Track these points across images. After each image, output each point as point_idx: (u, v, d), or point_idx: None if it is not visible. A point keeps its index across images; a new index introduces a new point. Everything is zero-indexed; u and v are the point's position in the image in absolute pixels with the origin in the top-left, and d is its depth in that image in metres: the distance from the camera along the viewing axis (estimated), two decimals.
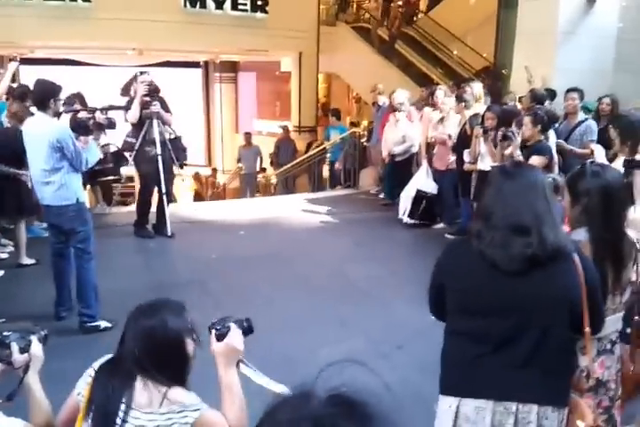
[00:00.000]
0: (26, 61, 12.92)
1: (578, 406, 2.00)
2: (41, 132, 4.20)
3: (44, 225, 6.78)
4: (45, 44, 11.65)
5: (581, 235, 2.19)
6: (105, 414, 1.73)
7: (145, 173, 6.51)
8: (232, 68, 15.35)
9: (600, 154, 4.46)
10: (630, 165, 3.53)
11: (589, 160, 2.63)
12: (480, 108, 6.67)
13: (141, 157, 6.37)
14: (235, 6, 11.99)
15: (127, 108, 6.34)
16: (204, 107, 15.16)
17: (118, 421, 1.72)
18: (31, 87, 4.84)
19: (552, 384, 1.92)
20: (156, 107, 6.23)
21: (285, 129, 12.12)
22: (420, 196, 7.04)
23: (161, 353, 1.77)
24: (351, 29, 13.88)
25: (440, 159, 6.92)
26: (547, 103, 6.53)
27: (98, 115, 5.76)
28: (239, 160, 12.21)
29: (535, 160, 4.82)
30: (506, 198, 1.91)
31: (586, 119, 6.14)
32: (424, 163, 7.22)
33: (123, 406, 1.73)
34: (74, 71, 12.57)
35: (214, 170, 14.05)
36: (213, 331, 1.84)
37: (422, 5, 14.90)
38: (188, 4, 11.49)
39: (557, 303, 1.88)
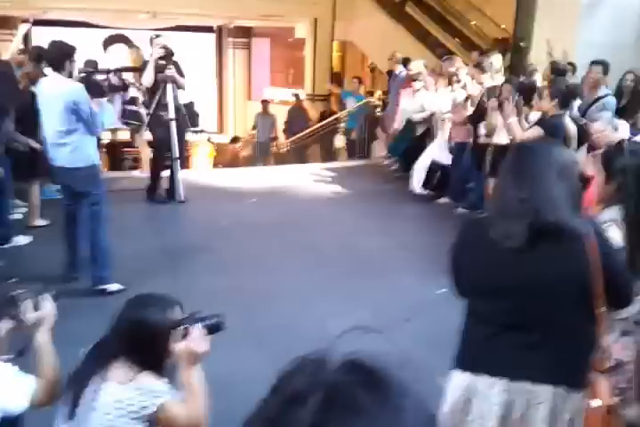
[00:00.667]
0: (38, 23, 12.77)
1: (595, 386, 1.98)
2: (56, 92, 4.18)
3: (58, 187, 6.87)
4: (58, 5, 11.50)
5: (614, 213, 2.15)
6: (79, 384, 1.84)
7: (158, 137, 6.49)
8: (246, 33, 15.12)
9: (624, 130, 4.38)
10: None
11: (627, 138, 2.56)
12: (499, 80, 6.57)
13: (155, 121, 6.34)
14: None
15: (140, 70, 6.31)
16: (217, 73, 14.98)
17: (92, 389, 1.82)
18: (45, 48, 4.80)
19: (567, 365, 1.90)
20: (171, 71, 6.17)
21: (297, 97, 11.99)
22: (434, 167, 7.00)
23: (139, 346, 1.85)
24: None
25: (456, 132, 6.84)
26: (568, 76, 6.39)
27: (111, 76, 5.72)
28: (254, 127, 12.09)
29: (529, 132, 4.78)
30: (515, 174, 1.90)
31: (607, 95, 6.01)
32: (440, 133, 7.14)
33: (98, 379, 1.83)
34: (87, 33, 12.42)
35: (236, 138, 13.75)
36: (180, 328, 1.81)
37: None
38: None
39: (563, 283, 1.84)
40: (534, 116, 5.31)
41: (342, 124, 10.67)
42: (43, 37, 9.57)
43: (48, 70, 4.48)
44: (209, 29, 14.67)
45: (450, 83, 7.20)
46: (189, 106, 6.61)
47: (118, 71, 6.04)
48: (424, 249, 5.27)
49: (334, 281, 4.79)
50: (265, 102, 12.13)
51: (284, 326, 4.01)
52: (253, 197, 7.01)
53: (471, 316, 2.00)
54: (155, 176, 6.59)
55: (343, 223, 6.29)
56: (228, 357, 3.07)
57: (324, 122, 10.76)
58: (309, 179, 8.12)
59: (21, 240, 5.29)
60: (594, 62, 6.09)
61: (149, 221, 6.32)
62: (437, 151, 7.02)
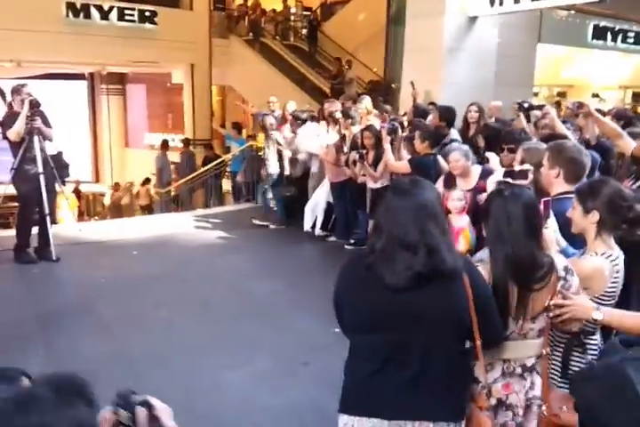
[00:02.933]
0: None
1: (475, 418, 2.03)
2: None
3: None
4: None
5: (485, 253, 2.22)
6: None
7: (25, 192, 6.01)
8: (120, 79, 14.80)
9: (494, 162, 4.64)
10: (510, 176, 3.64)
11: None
12: (373, 121, 6.80)
13: (22, 175, 5.89)
14: (121, 17, 11.60)
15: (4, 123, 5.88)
16: (91, 120, 14.46)
17: None
18: None
19: (446, 400, 1.95)
20: (37, 122, 5.82)
21: (187, 142, 11.78)
22: (330, 208, 7.08)
23: None
24: (244, 42, 13.83)
25: (330, 172, 6.97)
26: (430, 117, 6.72)
27: None
28: (160, 171, 11.57)
29: (400, 163, 5.39)
30: (395, 215, 1.94)
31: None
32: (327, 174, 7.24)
33: None
34: None
35: (117, 184, 13.14)
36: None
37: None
38: (70, 13, 10.96)
39: (444, 321, 1.90)
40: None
41: (227, 168, 10.59)
42: None
43: None
44: (81, 76, 14.21)
45: (327, 124, 7.36)
46: (58, 156, 6.20)
47: None
48: (315, 289, 5.20)
49: (228, 331, 4.60)
50: (165, 143, 11.74)
51: (179, 386, 3.75)
52: (134, 250, 6.68)
53: (351, 352, 2.04)
54: (23, 234, 6.10)
55: (232, 270, 6.12)
56: None
57: (209, 166, 10.61)
58: (195, 225, 7.90)
59: None
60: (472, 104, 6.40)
61: (19, 283, 5.79)
62: (327, 191, 7.12)
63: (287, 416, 3.45)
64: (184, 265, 6.21)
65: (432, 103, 7.47)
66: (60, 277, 5.96)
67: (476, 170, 4.56)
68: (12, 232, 6.43)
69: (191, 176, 10.79)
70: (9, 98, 6.26)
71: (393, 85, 10.56)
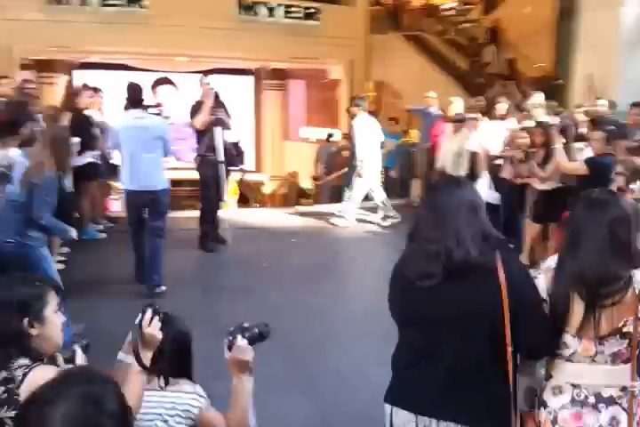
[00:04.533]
0: (81, 66, 13.21)
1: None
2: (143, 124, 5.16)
3: (100, 227, 6.90)
4: (100, 49, 11.86)
5: (554, 261, 2.01)
6: None
7: (207, 179, 6.33)
8: (282, 75, 15.39)
9: None
10: None
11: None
12: (542, 118, 6.48)
13: (205, 163, 6.25)
14: (287, 14, 12.02)
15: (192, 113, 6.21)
16: (255, 113, 15.22)
17: None
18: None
19: (474, 406, 1.87)
20: (221, 113, 6.15)
21: (329, 137, 12.01)
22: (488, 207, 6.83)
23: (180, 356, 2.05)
24: (403, 37, 13.77)
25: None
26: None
27: None
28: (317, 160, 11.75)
29: (575, 164, 5.14)
30: (428, 214, 1.97)
31: None
32: (485, 173, 6.99)
33: None
34: (126, 76, 12.75)
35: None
36: (226, 340, 1.89)
37: (476, 13, 14.74)
38: (241, 11, 11.56)
39: (470, 318, 1.85)
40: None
41: None
42: (84, 79, 9.88)
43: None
44: (247, 72, 14.96)
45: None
46: (236, 145, 6.57)
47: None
48: None
49: (374, 324, 4.62)
50: (329, 137, 11.96)
51: (327, 372, 3.87)
52: (293, 238, 6.93)
53: (398, 344, 2.08)
54: (206, 223, 6.40)
55: (385, 266, 6.12)
56: (273, 402, 3.10)
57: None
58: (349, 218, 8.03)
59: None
60: (635, 104, 5.94)
61: (193, 262, 6.24)
62: (486, 191, 6.84)
63: None
64: (339, 256, 6.35)
65: (610, 101, 6.96)
66: (227, 259, 6.35)
67: None
68: (189, 214, 6.88)
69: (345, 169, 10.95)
70: (182, 90, 6.63)
71: (559, 81, 9.97)
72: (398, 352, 2.06)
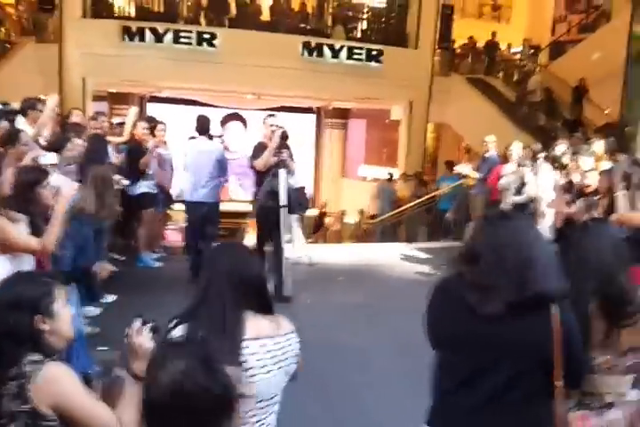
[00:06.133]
0: (153, 100, 13.83)
1: None
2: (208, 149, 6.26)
3: (155, 256, 7.05)
4: (171, 84, 12.41)
5: None
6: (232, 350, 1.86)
7: (264, 225, 5.93)
8: (343, 114, 15.65)
9: None
10: None
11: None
12: (603, 166, 6.27)
13: (265, 210, 5.80)
14: (350, 56, 12.27)
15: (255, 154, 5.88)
16: (315, 151, 15.49)
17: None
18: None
19: None
20: (285, 155, 5.71)
21: (391, 177, 12.05)
22: None
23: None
24: (465, 80, 13.78)
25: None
26: None
27: None
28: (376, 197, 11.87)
29: (627, 216, 4.75)
30: (494, 243, 1.90)
31: None
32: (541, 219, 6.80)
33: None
34: (195, 110, 13.25)
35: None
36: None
37: (543, 58, 14.65)
38: (305, 52, 11.89)
39: (525, 352, 1.84)
40: None
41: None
42: (156, 112, 10.30)
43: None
44: (309, 110, 15.29)
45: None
46: (301, 190, 6.10)
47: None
48: None
49: (418, 370, 4.47)
50: (391, 177, 12.03)
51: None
52: (340, 276, 6.88)
53: (436, 368, 2.04)
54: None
55: None
56: None
57: (417, 200, 10.68)
58: (400, 257, 7.93)
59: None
60: None
61: None
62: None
63: None
64: (387, 297, 6.24)
65: None
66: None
67: None
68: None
69: (401, 209, 10.93)
70: (250, 126, 6.84)
71: (627, 128, 9.70)
72: (437, 375, 2.04)
